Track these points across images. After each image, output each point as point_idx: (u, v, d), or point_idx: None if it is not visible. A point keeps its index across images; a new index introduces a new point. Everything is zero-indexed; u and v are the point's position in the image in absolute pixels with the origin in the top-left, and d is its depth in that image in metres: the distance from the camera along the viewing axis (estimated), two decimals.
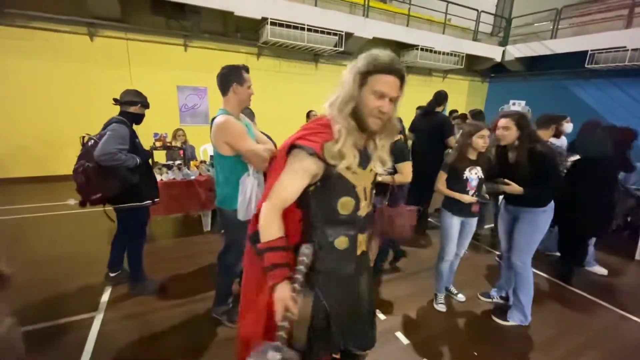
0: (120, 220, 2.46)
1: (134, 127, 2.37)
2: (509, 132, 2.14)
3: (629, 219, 4.10)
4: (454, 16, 7.95)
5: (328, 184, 1.04)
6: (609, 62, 6.72)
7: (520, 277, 2.33)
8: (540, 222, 2.23)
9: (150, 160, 3.71)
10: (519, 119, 2.13)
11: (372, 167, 1.13)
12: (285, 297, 0.93)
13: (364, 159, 1.08)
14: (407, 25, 7.24)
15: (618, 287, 3.07)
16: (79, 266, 2.90)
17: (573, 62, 7.46)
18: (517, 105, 8.87)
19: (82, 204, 2.22)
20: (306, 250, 1.03)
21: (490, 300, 2.68)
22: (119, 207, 2.37)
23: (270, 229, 1.00)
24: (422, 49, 7.28)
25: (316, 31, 6.20)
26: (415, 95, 8.30)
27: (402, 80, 0.98)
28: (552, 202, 2.24)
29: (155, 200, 2.55)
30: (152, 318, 2.28)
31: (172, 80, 6.03)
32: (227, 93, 1.87)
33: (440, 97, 3.78)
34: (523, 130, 2.12)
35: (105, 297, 2.48)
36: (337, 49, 6.49)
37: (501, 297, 2.67)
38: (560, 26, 7.82)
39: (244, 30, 6.33)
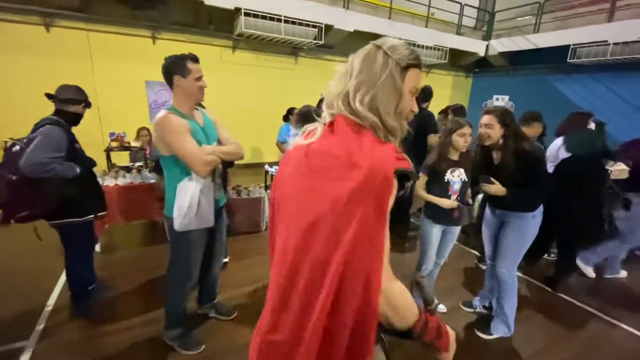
0: (61, 237, 2.15)
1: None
2: (492, 130, 1.93)
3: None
4: (437, 9, 7.77)
5: None
6: (590, 56, 6.68)
7: (504, 285, 2.14)
8: (528, 228, 2.04)
9: (106, 166, 3.42)
10: (502, 115, 1.92)
11: None
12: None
13: None
14: (390, 19, 7.01)
15: (605, 291, 2.95)
16: (14, 284, 2.57)
17: (556, 57, 7.40)
18: (501, 101, 8.81)
19: (5, 222, 1.89)
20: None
21: (472, 310, 2.50)
22: (55, 223, 2.06)
23: (413, 305, 0.73)
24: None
25: (294, 23, 5.90)
26: None
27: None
28: (542, 207, 2.06)
29: (100, 214, 2.25)
30: (94, 346, 1.99)
31: (140, 74, 5.63)
32: (172, 87, 1.65)
33: (426, 93, 3.62)
34: (507, 127, 1.91)
35: (41, 323, 2.16)
36: (316, 41, 6.21)
37: (484, 307, 2.50)
38: (543, 20, 7.75)
39: (218, 22, 5.97)
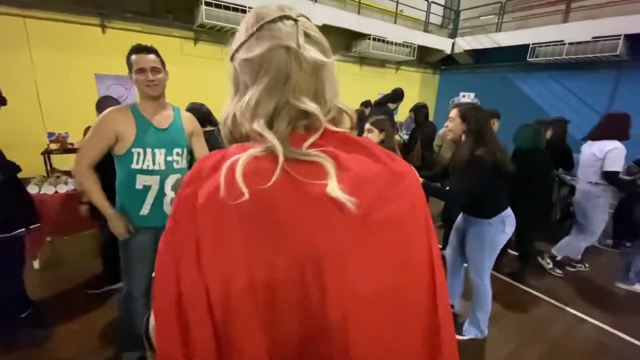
0: None
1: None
2: (452, 124, 1.92)
3: (571, 209, 4.18)
4: (405, 6, 7.78)
5: None
6: (548, 55, 6.98)
7: (476, 293, 2.12)
8: (485, 235, 1.96)
9: (44, 171, 3.01)
10: (464, 111, 1.89)
11: None
12: None
13: None
14: (359, 14, 6.91)
15: (569, 284, 3.04)
16: None
17: (517, 55, 7.68)
18: (467, 97, 9.05)
19: None
20: None
21: None
22: None
23: None
24: (374, 39, 7.01)
25: None
26: (369, 86, 8.15)
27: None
28: (504, 215, 1.97)
29: (32, 226, 1.93)
30: None
31: (89, 67, 5.10)
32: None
33: (397, 94, 3.67)
34: (469, 124, 1.89)
35: None
36: None
37: None
38: (505, 20, 8.01)
39: (177, 11, 5.55)
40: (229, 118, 0.55)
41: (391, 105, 3.83)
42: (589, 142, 2.88)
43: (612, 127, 2.71)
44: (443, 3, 9.11)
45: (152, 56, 1.49)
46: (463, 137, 1.91)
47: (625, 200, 2.89)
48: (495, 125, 2.92)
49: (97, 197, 1.53)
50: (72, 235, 3.02)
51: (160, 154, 1.53)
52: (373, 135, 2.09)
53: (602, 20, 6.24)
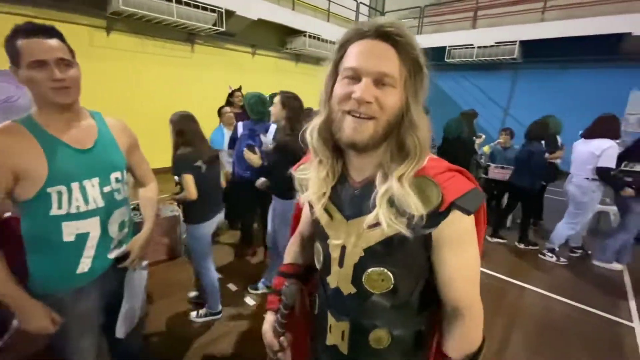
0: None
1: None
2: (274, 109, 2.09)
3: (494, 192, 4.78)
4: (335, 5, 7.92)
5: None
6: (461, 57, 7.88)
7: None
8: (287, 213, 2.03)
9: None
10: (284, 98, 2.06)
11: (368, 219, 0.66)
12: (265, 330, 0.84)
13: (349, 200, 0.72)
14: (293, 10, 6.79)
15: (505, 256, 3.45)
16: None
17: (436, 56, 8.49)
18: None
19: None
20: (286, 289, 0.80)
21: (257, 292, 2.51)
22: None
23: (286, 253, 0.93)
24: (310, 36, 6.97)
25: (189, 4, 5.08)
26: (305, 83, 8.11)
27: None
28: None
29: None
30: None
31: None
32: None
33: None
34: (289, 110, 2.04)
35: None
36: (216, 28, 5.52)
37: (267, 287, 2.52)
38: (424, 23, 8.76)
39: None
40: None
41: None
42: (583, 140, 3.13)
43: (606, 127, 2.99)
44: (369, 4, 9.56)
45: (54, 42, 0.95)
46: (282, 123, 2.07)
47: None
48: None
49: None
50: None
51: (92, 186, 1.05)
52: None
53: (502, 27, 7.27)
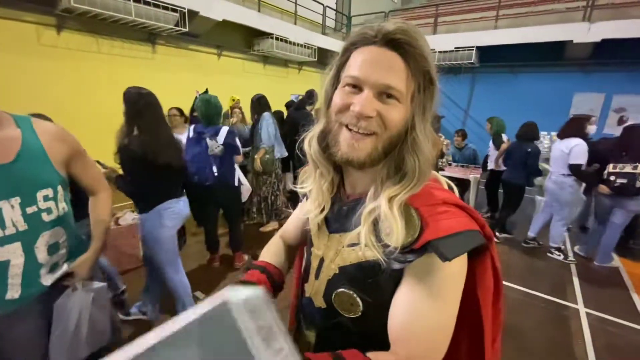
0: None
1: None
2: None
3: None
4: (302, 8, 7.96)
5: None
6: None
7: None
8: (143, 231, 1.87)
9: None
10: (127, 94, 1.79)
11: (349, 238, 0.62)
12: None
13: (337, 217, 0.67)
14: (259, 11, 6.73)
15: None
16: None
17: None
18: None
19: None
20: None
21: (128, 318, 2.18)
22: None
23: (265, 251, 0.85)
24: (277, 39, 6.95)
25: (148, 3, 4.89)
26: (273, 85, 8.06)
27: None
28: (164, 208, 1.86)
29: None
30: None
31: None
32: None
33: (311, 96, 3.86)
34: (126, 106, 1.77)
35: None
36: (179, 28, 5.35)
37: (142, 312, 2.18)
38: None
39: None
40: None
41: (308, 108, 3.94)
42: (558, 140, 3.36)
43: (575, 128, 3.21)
44: (335, 8, 9.70)
45: None
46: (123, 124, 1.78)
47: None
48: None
49: None
50: None
51: (11, 207, 0.92)
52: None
53: (460, 33, 7.68)
